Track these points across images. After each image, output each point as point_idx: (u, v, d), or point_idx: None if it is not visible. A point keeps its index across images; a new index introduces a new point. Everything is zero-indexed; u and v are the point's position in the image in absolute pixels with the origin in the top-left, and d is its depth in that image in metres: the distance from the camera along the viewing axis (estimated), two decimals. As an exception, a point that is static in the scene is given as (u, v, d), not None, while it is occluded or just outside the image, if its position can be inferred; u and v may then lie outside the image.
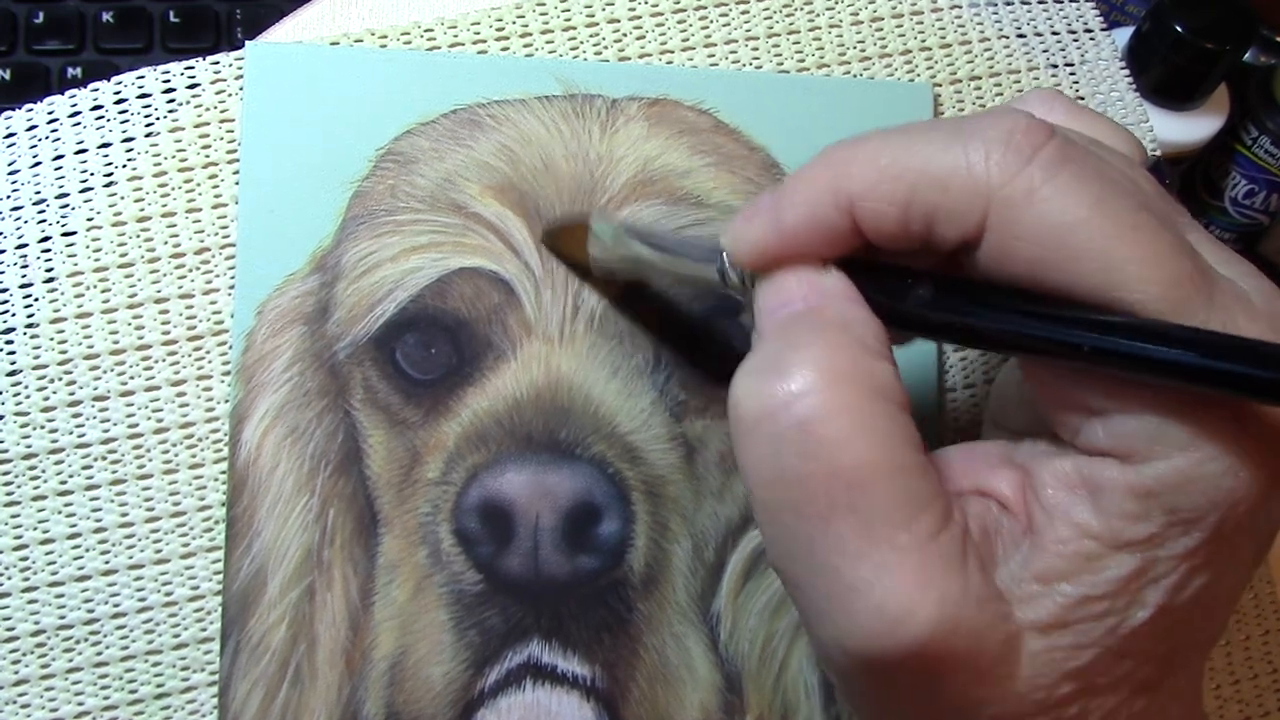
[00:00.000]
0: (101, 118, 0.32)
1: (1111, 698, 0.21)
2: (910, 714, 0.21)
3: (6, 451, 0.30)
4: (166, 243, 0.31)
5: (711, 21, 0.35)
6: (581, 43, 0.34)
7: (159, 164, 0.32)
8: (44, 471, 0.30)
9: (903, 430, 0.21)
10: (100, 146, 0.32)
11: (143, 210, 0.32)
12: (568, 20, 0.34)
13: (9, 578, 0.30)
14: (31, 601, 0.30)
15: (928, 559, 0.20)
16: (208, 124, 0.32)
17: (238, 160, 0.32)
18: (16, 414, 0.31)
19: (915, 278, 0.23)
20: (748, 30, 0.35)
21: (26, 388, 0.31)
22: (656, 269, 0.28)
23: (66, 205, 0.31)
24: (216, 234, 0.32)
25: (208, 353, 0.31)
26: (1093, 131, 0.23)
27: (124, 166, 0.32)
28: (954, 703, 0.20)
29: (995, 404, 0.27)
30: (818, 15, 0.35)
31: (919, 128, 0.22)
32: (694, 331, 0.32)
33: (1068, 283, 0.20)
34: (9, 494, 0.30)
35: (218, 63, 0.32)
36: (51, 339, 0.31)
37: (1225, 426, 0.20)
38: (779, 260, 0.23)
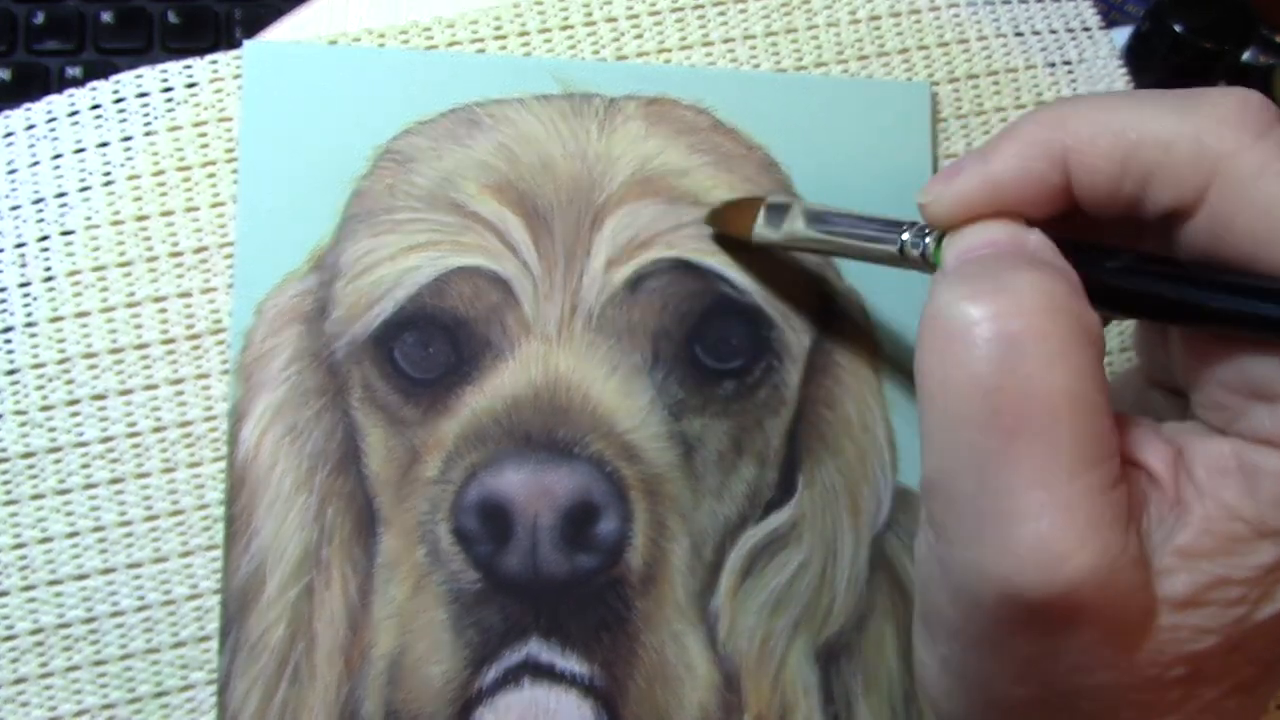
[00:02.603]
0: (100, 117, 0.32)
1: (1213, 691, 0.21)
2: (1024, 660, 0.21)
3: (5, 450, 0.30)
4: (165, 241, 0.32)
5: (709, 20, 0.35)
6: (579, 42, 0.34)
7: (157, 163, 0.32)
8: (42, 470, 0.30)
9: (1104, 379, 0.21)
10: (99, 145, 0.32)
11: (141, 209, 0.32)
12: (565, 19, 0.34)
13: (7, 576, 0.30)
14: (30, 600, 0.30)
15: (1101, 507, 0.20)
16: (206, 123, 0.32)
17: (236, 159, 0.32)
18: (15, 413, 0.31)
19: (1110, 252, 0.23)
20: (746, 29, 0.35)
21: (25, 386, 0.31)
22: (825, 246, 0.28)
23: (65, 204, 0.31)
24: (215, 232, 0.32)
25: (206, 351, 0.31)
26: None
27: (122, 165, 0.32)
28: (1075, 659, 0.20)
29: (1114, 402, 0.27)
30: (816, 14, 0.35)
31: (1142, 91, 0.22)
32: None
33: None
34: (7, 493, 0.30)
35: (216, 62, 0.32)
36: (50, 338, 0.31)
37: None
38: (981, 214, 0.23)
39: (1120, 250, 0.23)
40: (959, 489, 0.21)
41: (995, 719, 0.22)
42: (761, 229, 0.30)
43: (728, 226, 0.32)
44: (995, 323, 0.20)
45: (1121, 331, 0.34)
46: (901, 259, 0.25)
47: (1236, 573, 0.20)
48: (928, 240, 0.25)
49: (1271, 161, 0.20)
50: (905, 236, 0.25)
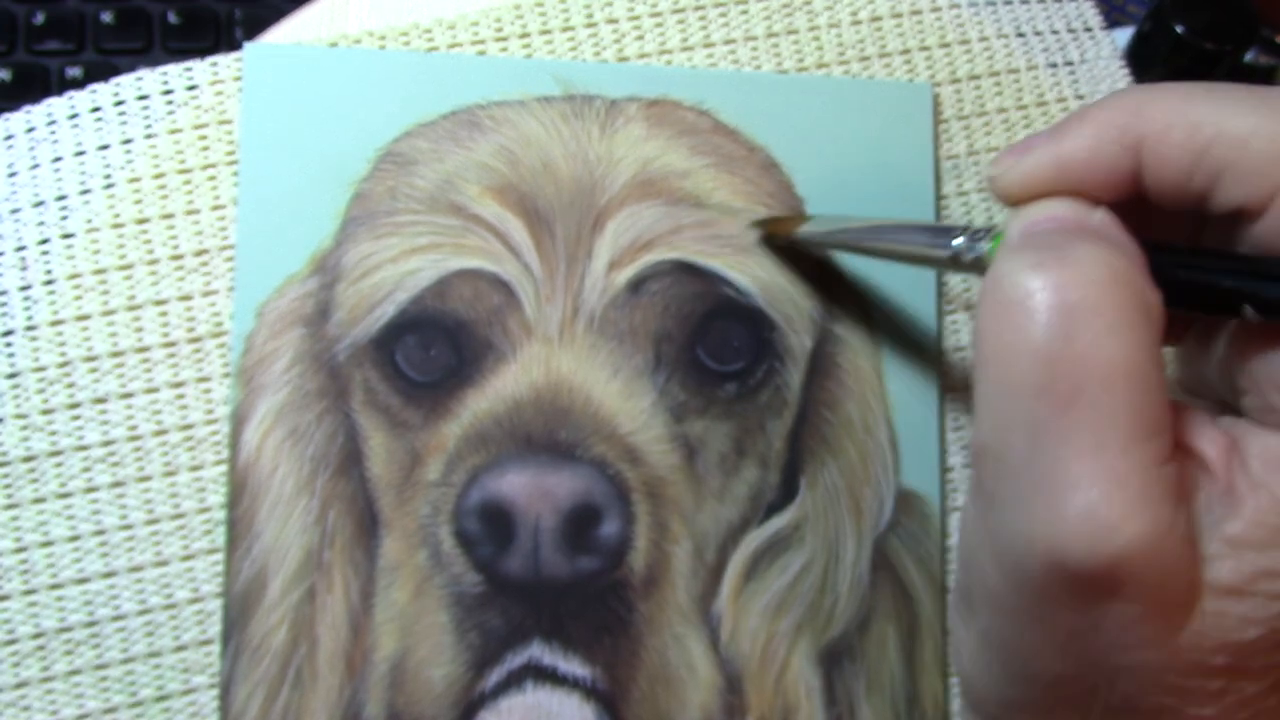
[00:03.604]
0: (100, 119, 0.32)
1: (1255, 685, 0.21)
2: (1067, 633, 0.21)
3: (6, 454, 0.30)
4: (165, 244, 0.31)
5: (710, 22, 0.34)
6: (580, 43, 0.34)
7: (158, 165, 0.32)
8: (44, 474, 0.30)
9: (1160, 355, 0.21)
10: (99, 148, 0.32)
11: (141, 212, 0.32)
12: (566, 21, 0.34)
13: (9, 580, 0.30)
14: (31, 604, 0.30)
15: (1152, 481, 0.20)
16: (206, 125, 0.32)
17: (236, 161, 0.32)
18: (16, 416, 0.30)
19: (1173, 246, 0.23)
20: (747, 30, 0.35)
21: (26, 390, 0.31)
22: (870, 251, 0.29)
23: (65, 207, 0.31)
24: (215, 235, 0.32)
25: (207, 354, 0.31)
26: None
27: (123, 168, 0.32)
28: (1117, 634, 0.20)
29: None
30: (817, 15, 0.35)
31: (1221, 85, 0.22)
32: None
33: None
34: (9, 496, 0.30)
35: (216, 64, 0.32)
36: (51, 341, 0.31)
37: None
38: (1049, 191, 0.23)
39: (1182, 246, 0.23)
40: (1011, 456, 0.21)
41: (1033, 695, 0.22)
42: (808, 229, 0.30)
43: (770, 228, 0.32)
44: (1055, 292, 0.20)
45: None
46: (955, 264, 0.25)
47: None
48: (981, 245, 0.25)
49: None
50: (959, 241, 0.25)
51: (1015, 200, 0.24)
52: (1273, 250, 0.22)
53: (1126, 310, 0.20)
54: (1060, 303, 0.20)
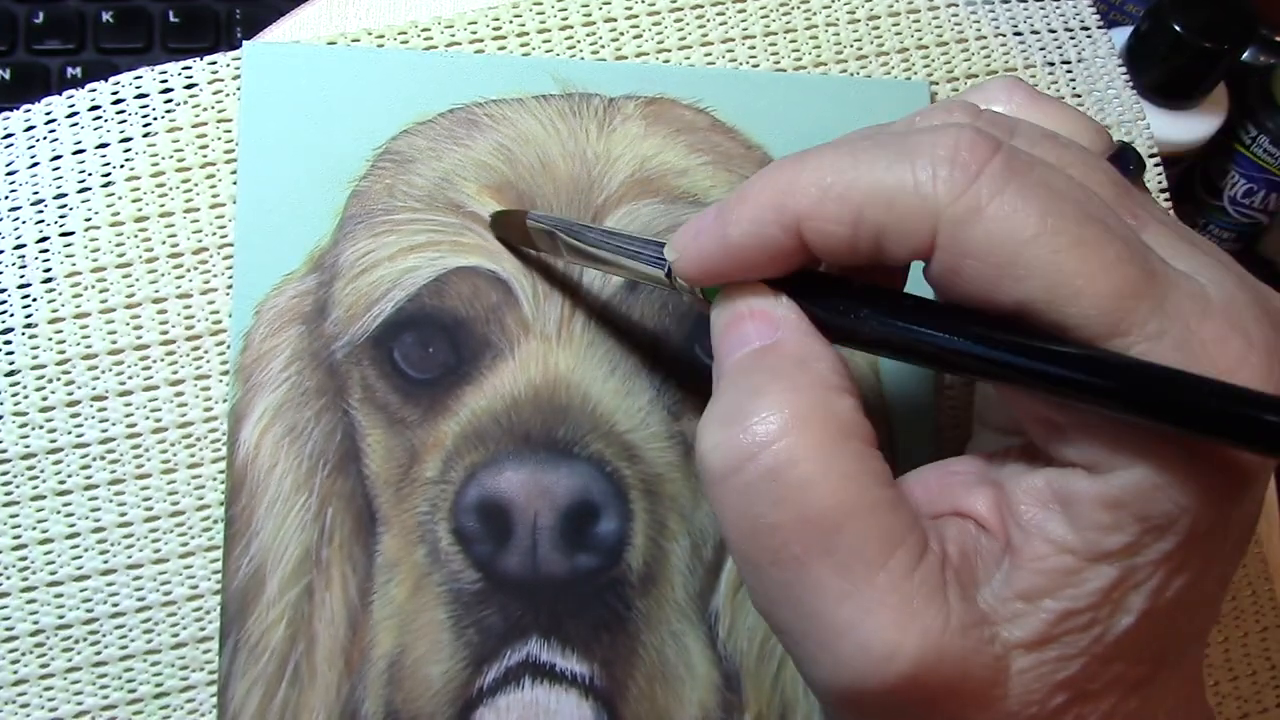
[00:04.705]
0: (99, 118, 0.32)
1: (1106, 700, 0.21)
2: None
3: (5, 452, 0.30)
4: (164, 243, 0.32)
5: (708, 20, 0.35)
6: (578, 42, 0.34)
7: (157, 164, 0.32)
8: (42, 471, 0.30)
9: (871, 467, 0.21)
10: (98, 147, 0.32)
11: (140, 210, 0.32)
12: (564, 19, 0.34)
13: (8, 577, 0.30)
14: (30, 601, 0.30)
15: (907, 594, 0.20)
16: (205, 124, 0.32)
17: (235, 160, 0.32)
18: (15, 414, 0.31)
19: (863, 293, 0.22)
20: (744, 29, 0.35)
21: (25, 388, 0.31)
22: (597, 263, 0.28)
23: (64, 206, 0.31)
24: (214, 234, 0.32)
25: (206, 352, 0.31)
26: (1052, 122, 0.23)
27: (122, 167, 0.32)
28: None
29: (980, 400, 0.27)
30: (814, 14, 0.35)
31: (864, 143, 0.22)
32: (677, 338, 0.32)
33: (1016, 301, 0.20)
34: (8, 494, 0.30)
35: (215, 63, 0.32)
36: (49, 339, 0.31)
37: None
38: (725, 278, 0.23)
39: (873, 293, 0.22)
40: (781, 619, 0.22)
41: None
42: (542, 245, 0.30)
43: (511, 235, 0.31)
44: (753, 464, 0.21)
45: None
46: (670, 284, 0.25)
47: (1079, 603, 0.20)
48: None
49: (986, 204, 0.20)
50: (671, 273, 0.24)
51: (695, 284, 0.24)
52: (947, 293, 0.21)
53: (822, 448, 0.21)
54: (761, 473, 0.21)
